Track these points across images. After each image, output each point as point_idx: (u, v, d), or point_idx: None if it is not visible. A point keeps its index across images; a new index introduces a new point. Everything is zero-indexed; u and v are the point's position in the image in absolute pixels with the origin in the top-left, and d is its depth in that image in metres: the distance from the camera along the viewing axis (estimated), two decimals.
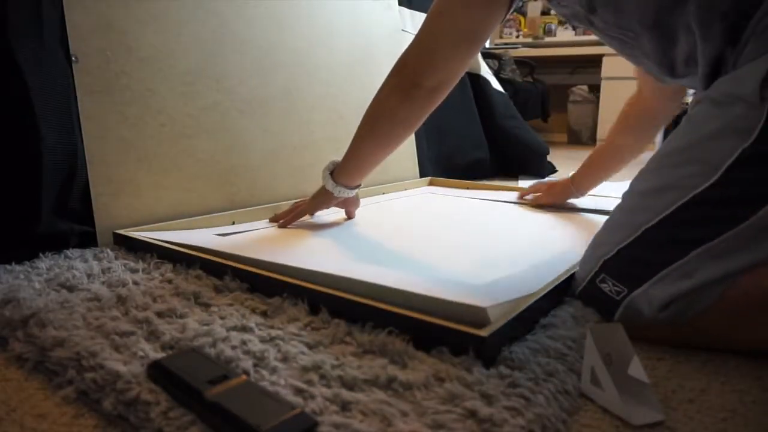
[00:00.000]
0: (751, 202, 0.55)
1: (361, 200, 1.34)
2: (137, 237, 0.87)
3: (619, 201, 0.69)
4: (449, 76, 0.81)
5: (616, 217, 0.67)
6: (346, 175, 0.97)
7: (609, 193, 1.28)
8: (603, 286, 0.63)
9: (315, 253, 0.86)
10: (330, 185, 0.98)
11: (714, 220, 0.57)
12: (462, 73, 0.82)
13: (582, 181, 1.17)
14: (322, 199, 1.01)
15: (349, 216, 1.12)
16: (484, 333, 0.51)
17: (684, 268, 0.57)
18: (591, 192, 1.22)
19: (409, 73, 0.81)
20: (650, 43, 0.68)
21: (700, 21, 0.62)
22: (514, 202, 1.32)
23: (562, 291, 0.68)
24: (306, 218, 1.07)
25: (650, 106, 0.99)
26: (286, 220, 1.04)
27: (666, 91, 0.93)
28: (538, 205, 1.25)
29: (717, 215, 0.57)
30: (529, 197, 1.29)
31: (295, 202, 1.08)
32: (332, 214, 1.18)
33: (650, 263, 0.59)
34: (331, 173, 0.98)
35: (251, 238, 0.95)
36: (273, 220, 1.07)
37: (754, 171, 0.55)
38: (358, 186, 1.01)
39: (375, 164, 0.96)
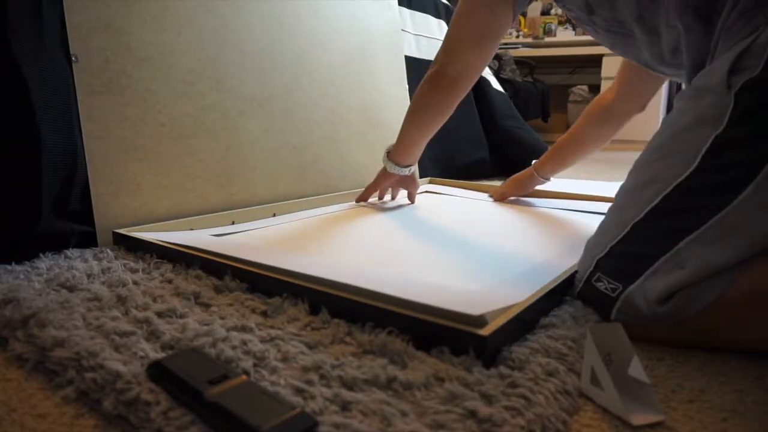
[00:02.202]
0: (730, 187, 0.56)
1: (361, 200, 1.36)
2: (136, 237, 0.87)
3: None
4: (468, 66, 0.94)
5: (606, 218, 0.68)
6: (397, 154, 1.14)
7: (607, 194, 1.29)
8: (599, 285, 0.63)
9: (312, 255, 0.86)
10: (385, 161, 1.17)
11: (697, 208, 0.58)
12: (482, 67, 0.95)
13: (545, 168, 1.28)
14: (381, 174, 1.21)
15: (411, 198, 1.30)
16: (484, 332, 0.51)
17: (674, 258, 0.58)
18: (590, 192, 1.31)
19: (436, 65, 0.96)
20: (641, 36, 0.72)
21: (678, 17, 0.65)
22: (514, 202, 1.32)
23: (562, 291, 0.68)
24: (374, 200, 1.29)
25: (619, 103, 1.09)
26: (360, 197, 1.26)
27: (638, 93, 1.06)
28: (504, 202, 1.34)
29: (699, 203, 0.58)
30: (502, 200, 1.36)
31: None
32: (329, 213, 1.18)
33: (641, 257, 0.60)
34: (389, 153, 1.16)
35: (248, 239, 0.95)
36: (359, 199, 1.27)
37: (729, 156, 0.57)
38: (409, 166, 1.17)
39: (419, 145, 1.12)
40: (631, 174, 0.67)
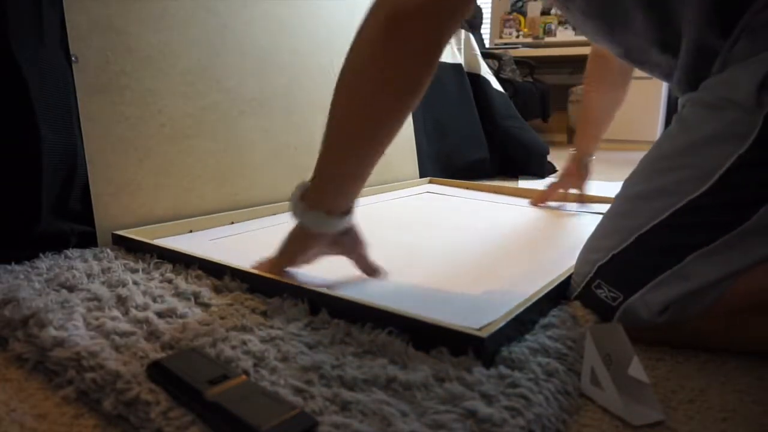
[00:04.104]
0: (746, 207, 0.55)
1: (359, 200, 1.33)
2: (135, 238, 0.87)
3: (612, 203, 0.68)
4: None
5: (607, 221, 0.66)
6: (328, 194, 0.64)
7: (607, 194, 1.28)
8: (599, 291, 0.62)
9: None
10: (303, 216, 0.64)
11: (709, 225, 0.56)
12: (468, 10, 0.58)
13: (585, 149, 1.21)
14: (297, 245, 0.67)
15: (360, 265, 0.71)
16: (483, 334, 0.51)
17: (680, 272, 0.57)
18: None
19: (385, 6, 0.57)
20: (643, 23, 0.66)
21: (698, 8, 0.60)
22: (512, 203, 1.32)
23: (562, 292, 0.68)
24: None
25: (613, 59, 1.01)
26: (262, 268, 0.70)
27: None
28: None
29: (712, 221, 0.56)
30: (544, 202, 1.27)
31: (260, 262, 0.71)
32: None
33: (645, 269, 0.59)
34: (303, 194, 0.65)
35: (247, 241, 0.95)
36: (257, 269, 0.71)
37: (749, 176, 0.55)
38: (349, 211, 0.66)
39: (369, 169, 0.64)
40: (636, 178, 0.65)
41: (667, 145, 0.63)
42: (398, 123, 0.62)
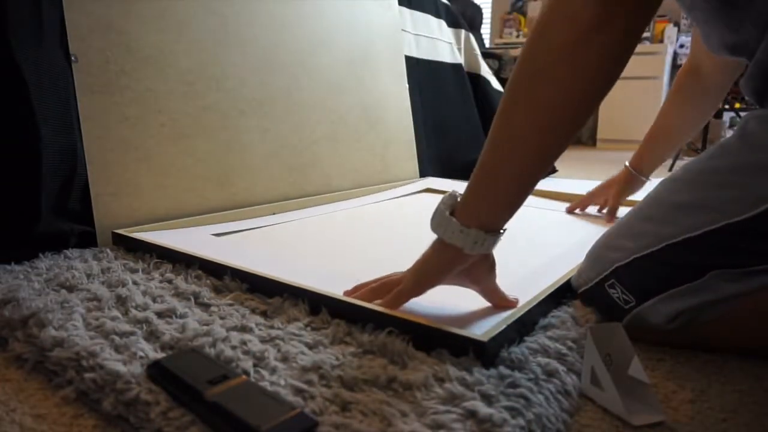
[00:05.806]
0: None
1: (356, 200, 1.29)
2: (135, 237, 0.87)
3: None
4: None
5: (634, 222, 0.64)
6: (487, 205, 0.56)
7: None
8: (612, 291, 0.61)
9: (311, 257, 0.85)
10: (459, 236, 0.54)
11: (745, 251, 0.55)
12: None
13: (646, 165, 1.05)
14: (442, 264, 0.57)
15: (493, 298, 0.62)
16: (484, 338, 0.51)
17: (699, 285, 0.57)
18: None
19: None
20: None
21: None
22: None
23: (563, 293, 0.68)
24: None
25: (707, 78, 0.89)
26: (384, 302, 0.59)
27: (724, 63, 0.84)
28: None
29: (749, 247, 0.55)
30: (583, 210, 1.17)
31: (387, 276, 0.64)
32: (329, 213, 1.17)
33: (665, 280, 0.58)
34: (453, 213, 0.56)
35: (248, 239, 0.95)
36: (351, 293, 0.63)
37: None
38: (501, 231, 0.58)
39: (538, 175, 0.56)
40: (678, 185, 0.61)
41: (722, 159, 0.59)
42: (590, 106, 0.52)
